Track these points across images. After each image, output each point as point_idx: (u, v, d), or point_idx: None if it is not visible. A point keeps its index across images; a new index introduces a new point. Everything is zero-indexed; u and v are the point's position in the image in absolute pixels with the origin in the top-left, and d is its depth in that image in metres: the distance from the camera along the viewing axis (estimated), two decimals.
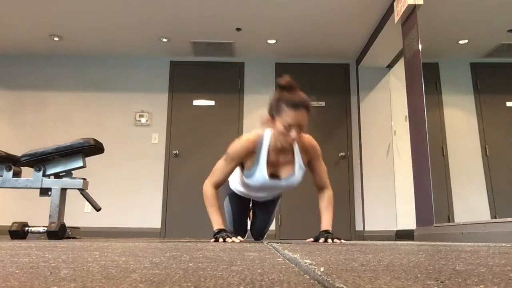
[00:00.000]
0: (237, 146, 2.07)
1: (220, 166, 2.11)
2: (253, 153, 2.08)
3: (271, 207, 2.59)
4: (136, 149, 5.14)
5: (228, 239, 1.99)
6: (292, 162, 2.12)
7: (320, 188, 2.24)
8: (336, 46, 5.05)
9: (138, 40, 4.96)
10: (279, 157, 2.10)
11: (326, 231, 2.12)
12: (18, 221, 2.64)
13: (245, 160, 2.10)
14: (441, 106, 4.02)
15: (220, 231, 2.06)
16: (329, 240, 2.05)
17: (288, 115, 1.89)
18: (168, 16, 4.39)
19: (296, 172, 2.13)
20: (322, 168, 2.22)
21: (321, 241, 2.08)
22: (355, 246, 1.62)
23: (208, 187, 2.13)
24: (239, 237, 2.04)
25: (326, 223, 2.16)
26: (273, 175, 2.13)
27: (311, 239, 2.16)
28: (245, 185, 2.24)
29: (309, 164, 2.18)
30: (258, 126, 5.55)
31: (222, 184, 2.15)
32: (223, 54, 5.27)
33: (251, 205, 2.67)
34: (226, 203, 2.55)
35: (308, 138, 2.14)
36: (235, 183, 2.37)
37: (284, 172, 2.13)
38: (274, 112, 1.94)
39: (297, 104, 1.89)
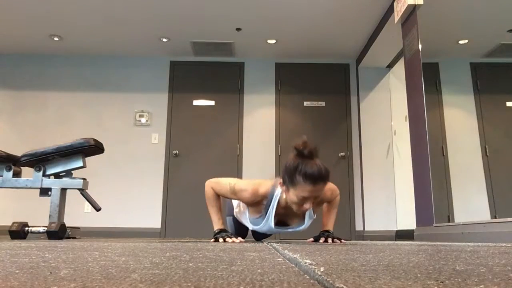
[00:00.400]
0: (246, 193, 1.97)
1: (225, 187, 2.03)
2: (261, 204, 2.00)
3: None
4: (136, 149, 5.14)
5: (228, 239, 1.99)
6: (303, 216, 2.04)
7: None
8: (336, 46, 5.05)
9: (138, 40, 4.96)
10: (288, 211, 1.98)
11: (327, 231, 2.12)
12: (18, 221, 2.64)
13: (251, 207, 2.03)
14: (441, 106, 4.02)
15: (220, 231, 2.06)
16: (329, 240, 2.05)
17: (304, 189, 1.77)
18: (168, 16, 4.39)
19: (306, 222, 2.04)
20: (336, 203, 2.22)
21: (321, 240, 2.08)
22: (355, 246, 1.62)
23: (210, 189, 2.11)
24: (239, 238, 2.04)
25: (327, 224, 2.17)
26: (281, 222, 2.06)
27: (311, 239, 2.16)
28: (249, 223, 2.15)
29: (320, 202, 2.12)
30: (258, 126, 5.52)
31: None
32: (223, 54, 5.26)
33: None
34: (229, 219, 2.49)
35: (328, 189, 2.02)
36: (240, 214, 2.24)
37: (292, 221, 2.06)
38: (288, 181, 1.82)
39: (315, 178, 1.77)
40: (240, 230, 2.46)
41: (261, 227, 2.05)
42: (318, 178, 1.77)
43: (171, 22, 4.53)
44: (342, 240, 2.12)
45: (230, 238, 2.00)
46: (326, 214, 2.21)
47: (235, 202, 2.33)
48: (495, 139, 3.76)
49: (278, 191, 1.94)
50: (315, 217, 2.07)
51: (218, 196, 2.12)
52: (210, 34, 4.78)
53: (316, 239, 2.13)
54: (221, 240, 2.00)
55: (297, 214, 2.01)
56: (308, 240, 2.17)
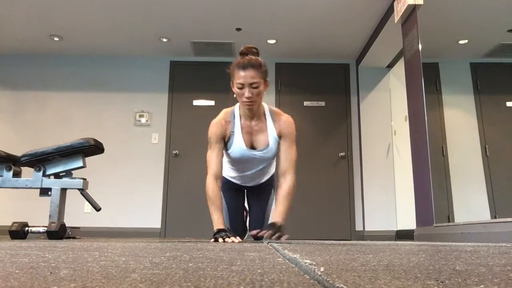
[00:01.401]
0: (212, 125, 2.20)
1: (208, 155, 2.20)
2: (228, 125, 2.19)
3: (263, 194, 2.55)
4: (136, 149, 5.14)
5: (227, 239, 1.98)
6: (265, 131, 2.19)
7: (283, 174, 2.15)
8: (336, 46, 5.05)
9: (138, 40, 4.96)
10: (252, 124, 2.18)
11: (273, 224, 1.99)
12: (18, 221, 2.64)
13: (224, 135, 2.20)
14: (441, 106, 4.02)
15: (219, 231, 2.05)
16: (268, 233, 1.91)
17: (238, 76, 2.06)
18: (168, 16, 4.39)
19: (270, 142, 2.18)
20: (291, 152, 2.18)
21: (266, 234, 1.94)
22: (355, 246, 1.62)
23: (208, 183, 2.13)
24: (238, 238, 2.03)
25: (278, 214, 2.05)
26: (250, 146, 2.20)
27: (255, 232, 2.01)
28: (230, 162, 2.33)
29: (280, 141, 2.21)
30: None
31: (220, 173, 2.16)
32: (223, 54, 5.26)
33: (246, 202, 2.63)
34: (224, 210, 2.49)
35: (285, 116, 2.24)
36: (225, 167, 2.41)
37: (259, 143, 2.20)
38: (231, 77, 2.13)
39: (244, 64, 2.06)
40: (235, 204, 2.50)
41: (234, 149, 2.18)
42: (246, 64, 2.06)
43: (171, 22, 4.53)
44: (286, 236, 1.97)
45: (229, 238, 1.99)
46: (278, 201, 2.10)
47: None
48: (495, 139, 3.76)
49: (236, 106, 2.22)
50: (279, 140, 2.20)
51: (218, 192, 2.11)
52: (210, 34, 4.78)
53: (257, 233, 1.99)
54: (220, 240, 1.99)
55: (262, 132, 2.18)
56: (252, 232, 2.06)
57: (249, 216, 2.62)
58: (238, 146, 2.18)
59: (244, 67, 2.06)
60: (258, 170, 2.35)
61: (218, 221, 2.08)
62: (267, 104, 2.29)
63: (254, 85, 2.06)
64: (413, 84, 3.61)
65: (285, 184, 2.13)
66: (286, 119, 2.22)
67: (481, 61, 3.96)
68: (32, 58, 5.35)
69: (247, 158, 2.23)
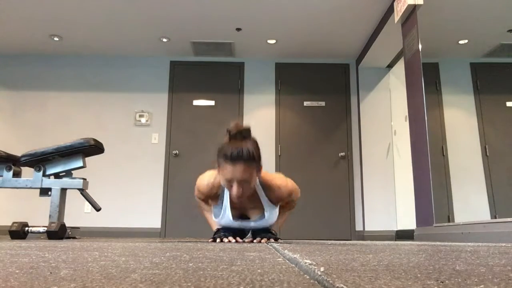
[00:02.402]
0: (202, 185, 1.98)
1: (195, 190, 2.06)
2: (216, 196, 1.99)
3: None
4: (136, 149, 5.13)
5: (225, 239, 1.98)
6: (259, 203, 1.97)
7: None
8: (336, 46, 5.05)
9: (138, 40, 4.96)
10: (245, 203, 1.96)
11: (267, 230, 2.02)
12: (18, 221, 2.64)
13: (211, 198, 2.03)
14: (441, 106, 4.02)
15: (218, 230, 2.05)
16: (263, 240, 1.93)
17: (225, 170, 1.76)
18: (168, 16, 4.39)
19: (266, 214, 1.98)
20: (296, 196, 2.07)
21: (255, 240, 1.97)
22: (355, 246, 1.62)
23: (197, 199, 2.14)
24: (237, 238, 2.02)
25: (274, 224, 2.08)
26: (241, 216, 2.03)
27: (251, 239, 2.03)
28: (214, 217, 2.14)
29: (282, 202, 2.04)
30: (258, 126, 5.52)
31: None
32: (223, 54, 5.26)
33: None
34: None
35: (276, 184, 1.96)
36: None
37: (252, 214, 2.02)
38: (217, 164, 1.82)
39: (233, 157, 1.73)
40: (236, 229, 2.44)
41: (220, 220, 2.02)
42: (236, 158, 1.73)
43: (171, 22, 4.53)
44: (274, 240, 2.00)
45: (227, 238, 1.99)
46: (280, 213, 2.09)
47: None
48: (495, 139, 3.76)
49: None
50: (276, 206, 2.00)
51: (206, 202, 2.12)
52: (210, 34, 4.78)
53: (254, 238, 2.02)
54: (218, 240, 1.99)
55: (256, 206, 1.98)
56: (251, 240, 2.05)
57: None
58: (226, 219, 2.00)
59: (233, 160, 1.74)
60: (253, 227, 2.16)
61: (214, 223, 2.10)
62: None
63: (245, 181, 1.77)
64: (413, 84, 3.62)
65: (290, 202, 2.11)
66: (278, 189, 1.96)
67: (481, 61, 3.95)
68: (32, 58, 5.35)
69: (237, 226, 2.07)
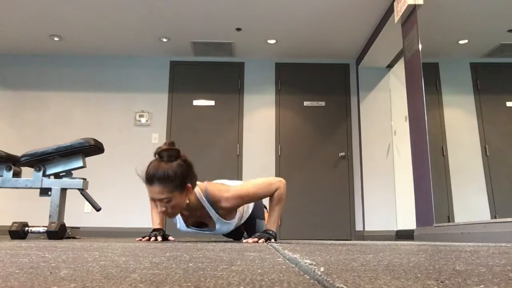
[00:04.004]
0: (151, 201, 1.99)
1: (150, 206, 2.24)
2: None
3: (250, 224, 2.36)
4: (136, 149, 5.13)
5: (152, 238, 2.08)
6: (209, 217, 2.03)
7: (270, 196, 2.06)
8: (336, 46, 5.05)
9: (138, 40, 4.96)
10: (192, 214, 2.05)
11: (265, 232, 1.99)
12: (18, 221, 2.64)
13: None
14: (441, 106, 4.02)
15: (153, 230, 2.17)
16: (261, 240, 1.90)
17: (147, 189, 1.84)
18: (168, 16, 4.39)
19: (218, 226, 2.04)
20: (258, 194, 2.01)
21: (250, 240, 1.94)
22: (355, 246, 1.62)
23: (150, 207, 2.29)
24: (159, 237, 2.10)
25: (271, 223, 2.03)
26: (197, 225, 2.11)
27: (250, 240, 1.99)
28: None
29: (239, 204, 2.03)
30: (258, 126, 5.51)
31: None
32: (223, 54, 5.26)
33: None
34: None
35: (223, 197, 1.96)
36: None
37: (207, 223, 2.09)
38: None
39: (148, 177, 1.82)
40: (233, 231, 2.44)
41: (180, 227, 2.14)
42: (151, 178, 1.81)
43: (171, 22, 4.53)
44: (273, 241, 1.97)
45: (156, 237, 2.09)
46: (270, 207, 2.05)
47: None
48: (495, 139, 3.76)
49: None
50: (229, 222, 2.05)
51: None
52: (210, 34, 4.78)
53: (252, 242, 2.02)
54: (145, 238, 2.11)
55: (207, 219, 2.05)
56: (245, 241, 2.03)
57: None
58: (182, 227, 2.12)
59: (148, 180, 1.82)
60: (228, 230, 2.19)
61: (155, 221, 2.23)
62: (203, 183, 2.03)
63: (165, 200, 1.82)
64: (413, 84, 3.62)
65: (275, 196, 2.03)
66: (225, 201, 1.95)
67: (481, 61, 3.95)
68: (32, 58, 5.35)
69: (196, 234, 2.16)
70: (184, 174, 1.85)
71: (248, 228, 2.40)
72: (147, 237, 2.11)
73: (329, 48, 5.10)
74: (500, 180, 3.64)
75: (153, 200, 1.86)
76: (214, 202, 1.98)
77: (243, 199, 2.00)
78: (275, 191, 2.02)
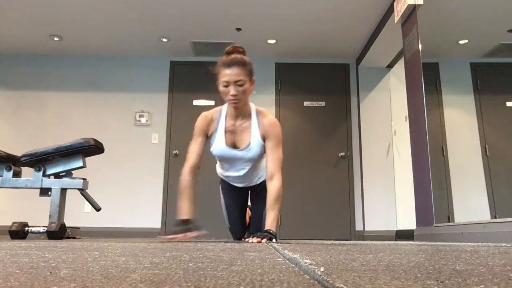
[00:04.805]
0: (199, 118, 2.25)
1: (190, 146, 2.23)
2: (213, 122, 2.23)
3: (262, 195, 2.30)
4: (136, 149, 5.14)
5: (180, 235, 1.94)
6: (249, 131, 2.19)
7: (269, 176, 2.11)
8: (336, 46, 5.05)
9: (138, 40, 4.96)
10: (236, 124, 2.19)
11: (266, 231, 1.98)
12: (18, 221, 2.64)
13: (207, 129, 2.23)
14: (441, 106, 4.02)
15: (181, 222, 2.00)
16: (263, 240, 1.89)
17: (223, 74, 2.07)
18: (168, 16, 4.39)
19: (252, 143, 2.17)
20: (277, 153, 2.15)
21: (253, 240, 1.93)
22: (355, 246, 1.62)
23: (183, 173, 2.16)
24: (194, 232, 1.97)
25: (270, 222, 2.03)
26: (231, 145, 2.20)
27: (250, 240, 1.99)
28: (218, 161, 2.35)
29: (265, 142, 2.18)
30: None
31: (197, 166, 2.20)
32: (223, 54, 5.25)
33: (249, 203, 2.61)
34: (221, 198, 2.55)
35: (270, 117, 2.21)
36: (217, 165, 2.47)
37: (241, 143, 2.19)
38: (217, 74, 2.12)
39: (229, 62, 2.07)
40: (234, 202, 2.48)
41: (215, 147, 2.20)
42: (231, 62, 2.07)
43: (171, 22, 4.53)
44: (274, 240, 1.97)
45: (183, 233, 1.94)
46: (269, 209, 2.07)
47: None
48: (495, 139, 3.76)
49: (225, 105, 2.23)
50: (262, 143, 2.17)
51: (190, 183, 2.13)
52: (210, 34, 4.78)
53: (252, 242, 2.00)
54: (170, 236, 1.96)
55: (245, 137, 2.17)
56: (248, 240, 2.03)
57: (251, 216, 2.59)
58: (218, 144, 2.20)
59: (229, 65, 2.08)
60: (245, 170, 2.30)
61: (184, 209, 2.05)
62: (255, 105, 2.28)
63: (239, 83, 2.08)
64: (413, 84, 3.61)
65: (273, 188, 2.08)
66: (270, 120, 2.19)
67: (481, 61, 3.95)
68: (32, 58, 5.35)
69: (229, 157, 2.24)
70: (252, 68, 2.16)
71: (258, 199, 2.43)
72: (176, 235, 1.96)
73: (329, 48, 5.10)
74: (500, 180, 3.64)
75: (227, 85, 2.06)
76: (260, 115, 2.20)
77: (277, 143, 2.16)
78: (277, 177, 2.10)
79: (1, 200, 4.93)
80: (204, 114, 2.27)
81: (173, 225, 1.99)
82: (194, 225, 1.99)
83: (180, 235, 1.94)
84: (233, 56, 2.11)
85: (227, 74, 2.06)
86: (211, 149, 2.24)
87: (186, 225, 1.98)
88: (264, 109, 2.27)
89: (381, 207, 4.92)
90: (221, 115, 2.23)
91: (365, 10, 4.23)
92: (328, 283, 0.45)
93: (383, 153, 5.09)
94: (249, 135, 2.18)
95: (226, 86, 2.08)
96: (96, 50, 5.22)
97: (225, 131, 2.20)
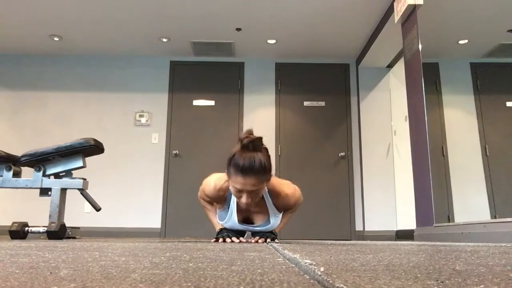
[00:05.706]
0: (209, 188, 1.99)
1: (200, 191, 2.09)
2: (224, 197, 1.99)
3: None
4: (136, 149, 5.13)
5: (228, 239, 1.99)
6: (265, 209, 1.99)
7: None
8: (336, 46, 5.05)
9: (138, 40, 4.96)
10: (250, 206, 1.94)
11: (270, 232, 2.04)
12: (18, 221, 2.64)
13: (217, 201, 2.05)
14: (441, 106, 4.02)
15: (221, 230, 2.06)
16: (261, 240, 1.95)
17: (235, 180, 1.76)
18: (168, 16, 4.39)
19: (272, 220, 2.01)
20: (298, 200, 2.10)
21: (253, 240, 2.00)
22: (355, 246, 1.62)
23: (199, 199, 2.16)
24: (241, 238, 2.03)
25: (280, 226, 2.10)
26: (246, 221, 2.04)
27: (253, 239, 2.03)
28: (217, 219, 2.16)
29: (285, 209, 2.07)
30: (258, 126, 5.52)
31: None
32: (223, 54, 5.26)
33: None
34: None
35: (284, 192, 1.98)
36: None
37: (257, 219, 2.03)
38: (227, 173, 1.82)
39: (244, 169, 1.72)
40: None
41: (226, 222, 2.03)
42: (247, 170, 1.72)
43: (171, 22, 4.53)
44: (276, 241, 2.02)
45: (230, 238, 2.00)
46: (283, 216, 2.10)
47: None
48: (495, 139, 3.76)
49: None
50: (280, 214, 2.03)
51: (209, 201, 2.12)
52: (210, 34, 4.78)
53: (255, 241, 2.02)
54: (221, 240, 2.00)
55: (261, 211, 2.00)
56: (250, 240, 2.05)
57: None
58: (230, 222, 2.02)
59: (244, 173, 1.73)
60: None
61: (218, 223, 2.11)
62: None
63: (255, 192, 1.79)
64: (413, 84, 3.61)
65: (297, 205, 2.14)
66: (286, 197, 1.98)
67: (481, 61, 3.96)
68: (32, 58, 5.35)
69: (242, 229, 2.10)
70: (270, 165, 1.82)
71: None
72: (221, 239, 1.99)
73: (329, 48, 5.10)
74: (500, 180, 3.64)
75: (240, 192, 1.78)
76: (274, 195, 1.96)
77: (295, 204, 2.05)
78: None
79: (1, 200, 4.93)
80: (214, 186, 1.96)
81: (217, 234, 2.06)
82: (232, 233, 2.05)
83: (228, 240, 1.98)
84: (251, 159, 1.73)
85: (241, 182, 1.74)
86: (220, 222, 2.07)
87: (228, 232, 2.03)
88: (276, 184, 1.98)
89: (381, 207, 4.92)
90: (231, 198, 1.98)
91: (365, 10, 4.23)
92: (328, 283, 0.45)
93: (383, 153, 5.09)
94: (265, 211, 1.99)
95: (238, 192, 1.79)
96: (96, 50, 5.22)
97: (238, 212, 1.99)
